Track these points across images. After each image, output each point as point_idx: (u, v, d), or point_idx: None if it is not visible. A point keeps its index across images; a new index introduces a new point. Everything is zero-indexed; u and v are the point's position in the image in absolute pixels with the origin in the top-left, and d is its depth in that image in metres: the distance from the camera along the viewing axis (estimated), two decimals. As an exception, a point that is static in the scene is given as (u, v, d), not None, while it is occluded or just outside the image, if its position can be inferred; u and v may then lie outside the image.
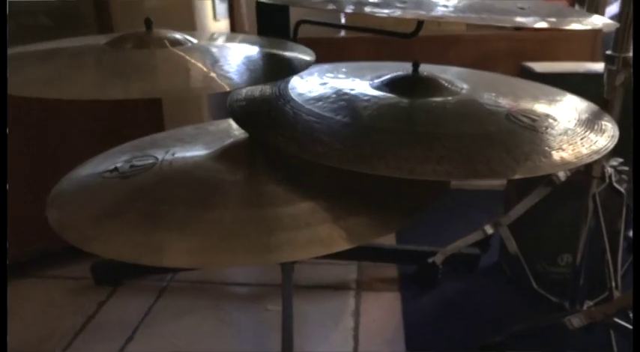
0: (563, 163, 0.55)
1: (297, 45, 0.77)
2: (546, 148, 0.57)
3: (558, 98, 0.75)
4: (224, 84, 0.54)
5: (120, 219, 0.57)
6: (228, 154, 0.69)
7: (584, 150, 0.58)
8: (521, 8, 0.56)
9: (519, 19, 0.51)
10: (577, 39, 1.65)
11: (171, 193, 0.60)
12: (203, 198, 0.58)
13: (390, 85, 0.73)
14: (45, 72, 0.57)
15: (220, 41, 0.79)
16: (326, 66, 0.86)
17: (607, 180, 0.79)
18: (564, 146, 0.58)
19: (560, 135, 0.61)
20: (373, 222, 0.55)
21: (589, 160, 0.57)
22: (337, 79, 0.78)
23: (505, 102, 0.69)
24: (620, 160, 0.84)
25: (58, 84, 0.53)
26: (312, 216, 0.55)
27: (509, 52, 1.70)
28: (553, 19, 0.52)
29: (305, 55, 0.70)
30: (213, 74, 0.57)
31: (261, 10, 0.99)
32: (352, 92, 0.72)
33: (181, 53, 0.63)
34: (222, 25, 1.90)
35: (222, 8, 1.94)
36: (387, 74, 0.76)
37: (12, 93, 0.51)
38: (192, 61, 0.61)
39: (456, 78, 0.76)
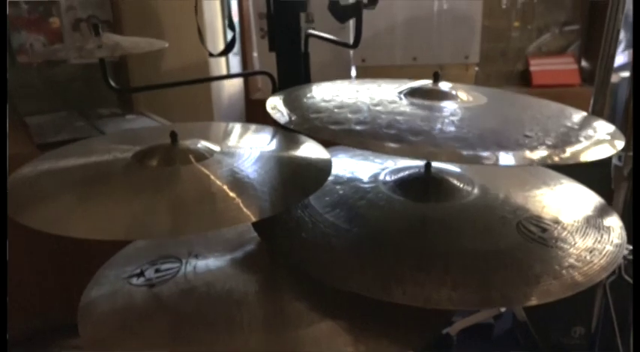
0: (574, 285, 0.57)
1: (311, 143, 0.80)
2: (557, 267, 0.59)
3: (563, 188, 0.77)
4: (250, 213, 0.58)
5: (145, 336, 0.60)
6: (250, 261, 0.72)
7: (595, 266, 0.61)
8: (527, 136, 0.59)
9: (528, 156, 0.54)
10: (584, 98, 1.68)
11: (197, 310, 0.63)
12: (227, 318, 0.60)
13: (402, 187, 0.76)
14: (73, 203, 0.61)
15: (236, 139, 0.84)
16: (340, 154, 0.89)
17: (616, 272, 0.81)
18: (574, 262, 0.61)
19: (570, 247, 0.63)
20: (393, 345, 0.57)
21: (598, 279, 0.59)
22: (352, 177, 0.81)
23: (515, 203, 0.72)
24: (630, 248, 0.86)
25: (92, 223, 0.56)
26: (334, 339, 0.57)
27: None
28: (564, 155, 0.55)
29: (322, 162, 0.73)
30: (238, 201, 0.60)
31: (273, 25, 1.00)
32: (368, 195, 0.75)
33: (206, 171, 0.67)
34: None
35: (235, 61, 2.00)
36: (401, 172, 0.79)
37: (47, 230, 0.55)
38: (218, 182, 0.64)
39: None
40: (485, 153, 0.53)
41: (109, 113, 1.40)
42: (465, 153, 0.54)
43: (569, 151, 0.56)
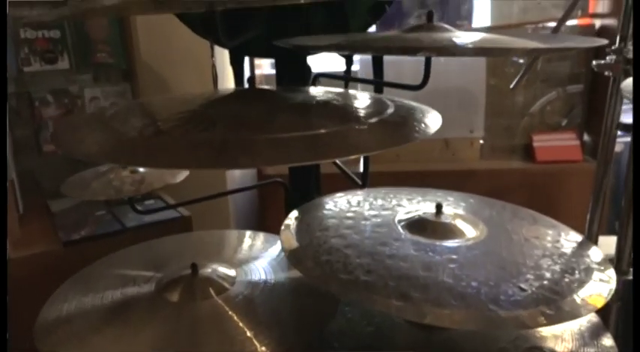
0: None
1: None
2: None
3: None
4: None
5: None
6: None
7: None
8: (523, 289, 0.64)
9: (523, 319, 0.58)
10: (586, 174, 1.72)
11: None
12: None
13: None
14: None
15: (250, 254, 0.89)
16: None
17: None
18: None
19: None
20: None
21: None
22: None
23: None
24: None
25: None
26: None
27: (521, 184, 1.78)
28: (556, 314, 0.59)
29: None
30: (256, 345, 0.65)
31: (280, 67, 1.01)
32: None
33: (226, 308, 0.72)
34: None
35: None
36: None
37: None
38: (237, 321, 0.69)
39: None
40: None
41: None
42: (464, 312, 0.58)
43: (562, 309, 0.61)
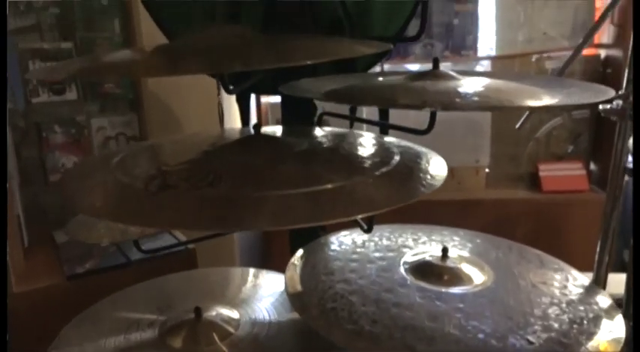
0: None
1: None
2: None
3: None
4: None
5: None
6: None
7: None
8: (530, 342, 0.63)
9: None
10: (593, 204, 1.71)
11: None
12: None
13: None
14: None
15: (251, 289, 0.89)
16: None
17: None
18: None
19: None
20: None
21: None
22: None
23: None
24: None
25: None
26: None
27: (527, 214, 1.77)
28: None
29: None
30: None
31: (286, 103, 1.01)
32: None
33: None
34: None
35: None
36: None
37: None
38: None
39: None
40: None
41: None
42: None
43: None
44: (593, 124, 1.91)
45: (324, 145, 0.70)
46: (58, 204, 1.54)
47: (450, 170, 1.89)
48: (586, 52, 1.80)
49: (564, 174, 1.78)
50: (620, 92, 0.75)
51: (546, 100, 0.62)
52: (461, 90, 0.64)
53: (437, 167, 0.65)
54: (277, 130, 0.82)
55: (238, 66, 0.47)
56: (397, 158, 0.68)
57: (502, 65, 1.84)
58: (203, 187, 0.54)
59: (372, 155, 0.67)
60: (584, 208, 1.72)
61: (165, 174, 0.56)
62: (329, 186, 0.54)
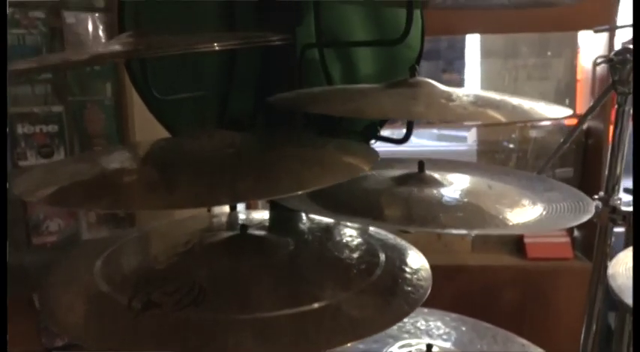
0: None
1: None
2: None
3: None
4: None
5: None
6: None
7: None
8: None
9: None
10: (577, 273, 1.72)
11: None
12: None
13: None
14: None
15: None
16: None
17: None
18: None
19: None
20: None
21: None
22: None
23: None
24: None
25: None
26: None
27: (513, 281, 1.78)
28: None
29: None
30: None
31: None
32: None
33: None
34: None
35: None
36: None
37: None
38: None
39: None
40: None
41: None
42: None
43: None
44: (577, 182, 1.94)
45: (310, 246, 0.70)
46: (41, 265, 1.51)
47: (438, 236, 1.88)
48: (568, 122, 1.85)
49: (549, 241, 1.79)
50: (598, 194, 0.77)
51: (527, 213, 0.64)
52: (445, 199, 0.65)
53: (422, 274, 0.66)
54: (264, 221, 0.83)
55: (225, 201, 0.47)
56: (382, 259, 0.68)
57: (486, 132, 1.88)
58: (187, 305, 0.54)
59: (358, 260, 0.67)
60: (569, 276, 1.72)
61: (149, 287, 0.56)
62: (315, 305, 0.54)
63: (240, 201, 0.49)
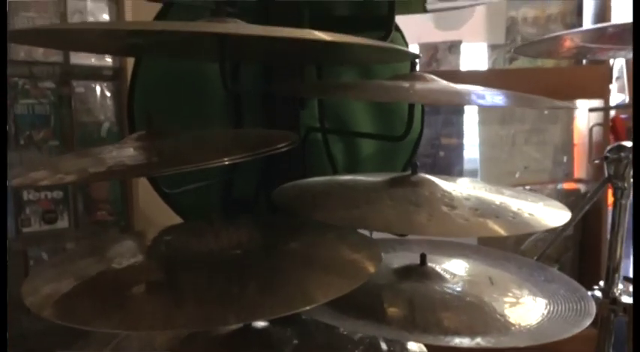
0: None
1: None
2: None
3: None
4: None
5: None
6: None
7: None
8: None
9: None
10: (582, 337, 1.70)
11: None
12: None
13: None
14: None
15: None
16: None
17: None
18: None
19: None
20: None
21: None
22: None
23: None
24: None
25: None
26: None
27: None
28: None
29: None
30: None
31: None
32: None
33: None
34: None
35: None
36: None
37: None
38: None
39: None
40: None
41: None
42: None
43: None
44: (578, 242, 1.93)
45: (313, 341, 0.71)
46: (40, 332, 1.50)
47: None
48: (566, 186, 1.87)
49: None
50: (598, 285, 0.78)
51: (529, 314, 0.65)
52: (448, 295, 0.66)
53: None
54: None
55: (233, 321, 0.48)
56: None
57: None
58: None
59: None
60: (573, 341, 1.70)
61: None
62: None
63: (248, 320, 0.50)
